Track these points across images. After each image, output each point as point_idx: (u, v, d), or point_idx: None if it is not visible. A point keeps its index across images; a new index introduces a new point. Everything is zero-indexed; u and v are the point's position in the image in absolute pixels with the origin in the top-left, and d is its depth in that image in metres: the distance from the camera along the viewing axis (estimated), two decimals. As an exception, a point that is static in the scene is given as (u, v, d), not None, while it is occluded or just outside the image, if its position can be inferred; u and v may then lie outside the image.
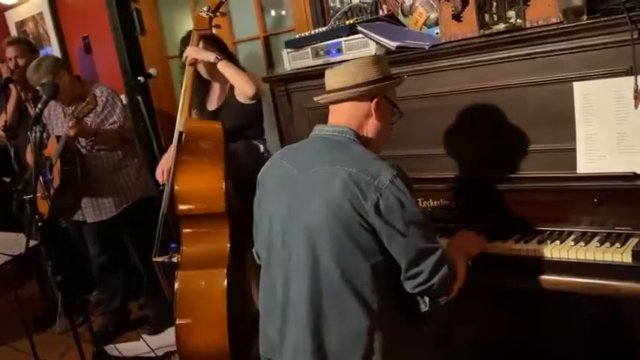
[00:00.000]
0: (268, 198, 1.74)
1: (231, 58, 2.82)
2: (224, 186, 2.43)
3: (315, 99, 1.76)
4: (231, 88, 2.78)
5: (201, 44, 2.76)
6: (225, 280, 2.44)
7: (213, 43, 2.81)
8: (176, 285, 2.50)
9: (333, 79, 1.70)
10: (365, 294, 1.56)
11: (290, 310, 1.63)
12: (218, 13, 2.73)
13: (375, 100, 1.68)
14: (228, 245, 2.47)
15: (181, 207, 2.49)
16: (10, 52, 3.60)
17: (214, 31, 2.80)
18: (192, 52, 2.71)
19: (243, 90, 2.65)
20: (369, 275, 1.56)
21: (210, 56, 2.68)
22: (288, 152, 1.79)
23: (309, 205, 1.59)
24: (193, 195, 2.48)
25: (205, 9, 2.70)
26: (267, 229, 1.72)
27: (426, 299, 1.60)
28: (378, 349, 1.58)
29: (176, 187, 2.47)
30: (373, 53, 2.14)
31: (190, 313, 2.48)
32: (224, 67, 2.67)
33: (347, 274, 1.55)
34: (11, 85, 3.60)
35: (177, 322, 2.49)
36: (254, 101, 2.72)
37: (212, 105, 2.87)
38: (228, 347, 2.43)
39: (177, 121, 2.64)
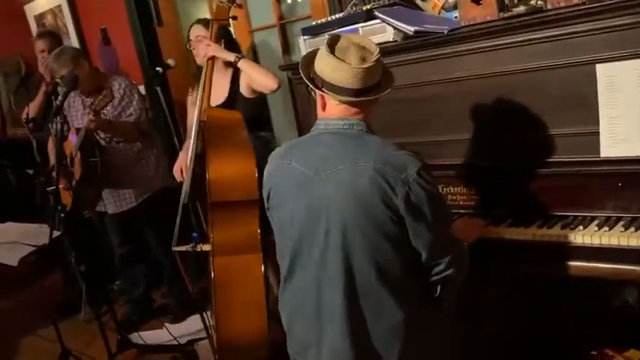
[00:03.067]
0: (284, 205, 1.65)
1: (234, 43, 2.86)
2: (257, 173, 2.43)
3: (352, 99, 1.56)
4: (236, 81, 2.81)
5: (203, 32, 2.79)
6: (262, 266, 2.46)
7: (225, 34, 2.82)
8: (212, 273, 2.50)
9: (364, 79, 1.53)
10: (398, 286, 1.56)
11: (324, 313, 1.60)
12: (235, 4, 2.73)
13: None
14: (259, 230, 2.48)
15: (217, 195, 2.47)
16: (41, 45, 3.64)
17: (231, 22, 2.82)
18: (213, 50, 2.73)
19: (268, 85, 2.69)
20: (401, 267, 1.56)
21: (231, 56, 2.72)
22: (294, 153, 1.65)
23: (336, 206, 1.54)
24: (229, 183, 2.47)
25: None
26: (287, 236, 1.65)
27: (439, 287, 1.63)
28: (416, 339, 1.59)
29: (210, 176, 2.47)
30: (391, 39, 2.12)
31: (227, 301, 2.49)
32: (245, 66, 2.72)
33: (382, 271, 1.54)
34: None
35: (217, 310, 2.50)
36: (256, 95, 2.76)
37: (216, 100, 2.82)
38: (266, 333, 2.45)
39: (197, 111, 2.66)
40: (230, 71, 2.82)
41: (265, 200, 1.73)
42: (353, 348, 1.58)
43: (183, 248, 2.67)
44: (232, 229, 2.51)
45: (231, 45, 2.87)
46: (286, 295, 1.72)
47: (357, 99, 1.55)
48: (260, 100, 2.80)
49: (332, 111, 1.61)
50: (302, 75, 1.63)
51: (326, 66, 1.55)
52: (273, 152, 1.73)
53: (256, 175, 2.43)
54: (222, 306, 2.50)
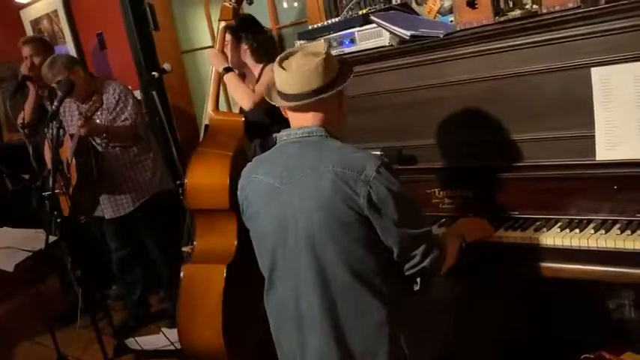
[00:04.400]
0: (256, 218, 1.69)
1: (262, 45, 2.77)
2: (228, 182, 2.37)
3: (293, 104, 1.62)
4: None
5: (228, 36, 2.74)
6: (224, 277, 2.39)
7: (238, 30, 2.75)
8: (181, 276, 2.51)
9: (303, 82, 1.58)
10: (376, 285, 1.57)
11: (305, 322, 1.62)
12: (244, 3, 2.69)
13: (342, 93, 1.66)
14: (235, 242, 2.43)
15: (189, 201, 2.49)
16: (26, 50, 3.63)
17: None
18: (211, 55, 2.71)
19: (241, 104, 2.66)
20: (376, 266, 1.57)
21: (219, 66, 2.66)
22: (261, 166, 1.71)
23: (303, 214, 1.56)
24: (199, 190, 2.46)
25: None
26: (263, 248, 1.69)
27: (418, 280, 1.64)
28: (402, 335, 1.59)
29: (185, 181, 2.47)
30: (387, 43, 2.12)
31: (188, 307, 2.48)
32: (227, 80, 2.67)
33: (356, 272, 1.55)
34: (29, 84, 3.63)
35: (178, 314, 2.50)
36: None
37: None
38: (223, 344, 2.39)
39: (204, 114, 2.66)
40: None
41: (242, 214, 1.77)
42: (338, 352, 1.58)
43: (186, 249, 2.68)
44: (207, 236, 2.51)
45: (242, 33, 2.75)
46: (270, 307, 1.74)
47: (299, 103, 1.60)
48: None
49: (295, 122, 1.67)
50: (265, 97, 1.72)
51: (276, 78, 1.64)
52: (244, 168, 1.78)
53: (228, 185, 2.38)
54: (183, 313, 2.50)
